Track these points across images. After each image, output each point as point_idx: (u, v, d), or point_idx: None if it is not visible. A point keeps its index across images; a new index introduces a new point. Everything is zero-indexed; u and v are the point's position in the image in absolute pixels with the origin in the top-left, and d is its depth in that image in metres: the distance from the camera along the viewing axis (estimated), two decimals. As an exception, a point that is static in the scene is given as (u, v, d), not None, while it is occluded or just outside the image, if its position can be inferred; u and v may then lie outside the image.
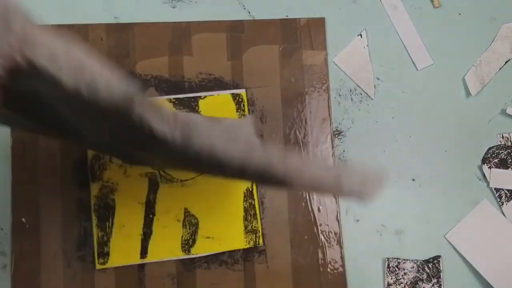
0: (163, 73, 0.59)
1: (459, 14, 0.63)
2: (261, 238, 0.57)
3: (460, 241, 0.59)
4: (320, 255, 0.58)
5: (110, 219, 0.56)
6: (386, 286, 0.58)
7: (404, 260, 0.59)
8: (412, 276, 0.58)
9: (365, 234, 0.59)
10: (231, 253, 0.57)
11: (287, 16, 0.61)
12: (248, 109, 0.59)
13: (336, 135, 0.60)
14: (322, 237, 0.58)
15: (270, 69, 0.60)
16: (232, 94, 0.59)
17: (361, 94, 0.61)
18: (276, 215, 0.58)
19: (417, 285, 0.58)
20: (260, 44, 0.60)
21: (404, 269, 0.58)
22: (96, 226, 0.56)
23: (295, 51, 0.60)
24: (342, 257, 0.58)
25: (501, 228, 0.60)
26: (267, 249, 0.58)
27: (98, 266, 0.55)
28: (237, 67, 0.59)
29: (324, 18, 0.61)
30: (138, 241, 0.56)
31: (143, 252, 0.56)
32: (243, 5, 0.61)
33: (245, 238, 0.57)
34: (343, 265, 0.58)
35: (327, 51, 0.61)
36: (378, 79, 0.61)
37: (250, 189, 0.58)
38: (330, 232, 0.58)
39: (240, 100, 0.59)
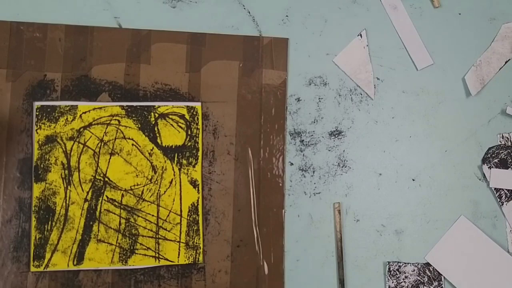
0: (118, 80, 0.58)
1: (459, 14, 0.63)
2: (201, 255, 0.57)
3: (440, 262, 0.58)
4: (261, 275, 0.57)
5: (50, 222, 0.55)
6: None
7: (405, 263, 0.58)
8: (413, 279, 0.58)
9: (365, 234, 0.59)
10: (169, 267, 0.56)
11: (287, 16, 0.61)
12: (202, 123, 0.58)
13: (336, 135, 0.60)
14: (263, 258, 0.57)
15: (228, 85, 0.59)
16: (187, 106, 0.58)
17: (361, 94, 0.61)
18: (220, 232, 0.57)
19: None
20: (220, 58, 0.59)
21: (405, 273, 0.58)
22: (35, 227, 0.55)
23: (255, 69, 0.60)
24: (282, 280, 0.57)
25: (479, 243, 0.59)
26: (206, 266, 0.57)
27: (32, 269, 0.55)
28: (194, 79, 0.59)
29: (287, 38, 0.60)
30: (76, 247, 0.56)
31: (79, 259, 0.56)
32: (243, 5, 0.61)
33: (185, 253, 0.57)
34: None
35: (287, 71, 0.60)
36: (378, 79, 0.61)
37: (196, 204, 0.57)
38: (272, 253, 0.58)
39: (194, 113, 0.58)
